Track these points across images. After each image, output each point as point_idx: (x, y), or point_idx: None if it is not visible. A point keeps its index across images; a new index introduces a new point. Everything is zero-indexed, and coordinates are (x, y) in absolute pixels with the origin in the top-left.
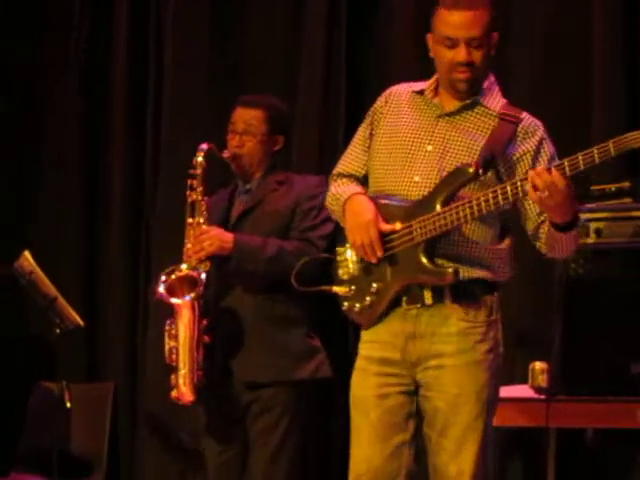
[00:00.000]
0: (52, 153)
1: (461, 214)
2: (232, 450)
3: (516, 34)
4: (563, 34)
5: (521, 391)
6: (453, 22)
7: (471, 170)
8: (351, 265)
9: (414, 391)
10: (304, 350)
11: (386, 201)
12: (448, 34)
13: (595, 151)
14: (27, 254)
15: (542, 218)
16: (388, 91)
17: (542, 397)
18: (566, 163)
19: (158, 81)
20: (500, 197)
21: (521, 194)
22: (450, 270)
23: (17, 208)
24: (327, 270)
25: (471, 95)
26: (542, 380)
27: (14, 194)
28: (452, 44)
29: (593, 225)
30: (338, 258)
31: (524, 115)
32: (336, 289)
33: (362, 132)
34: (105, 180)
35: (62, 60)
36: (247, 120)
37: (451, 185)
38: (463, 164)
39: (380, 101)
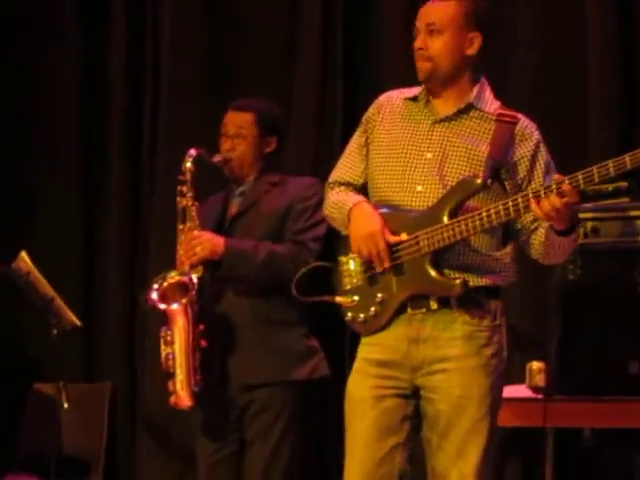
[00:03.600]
0: (50, 155)
1: (470, 225)
2: (227, 450)
3: (512, 40)
4: (558, 39)
5: (518, 391)
6: (420, 11)
7: (479, 181)
8: (355, 275)
9: (411, 394)
10: (301, 350)
11: (391, 211)
12: (415, 22)
13: (610, 164)
14: (24, 255)
15: (535, 225)
16: (380, 99)
17: (539, 397)
18: (580, 177)
19: (155, 86)
20: (511, 209)
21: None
22: (458, 282)
23: (14, 209)
24: (326, 277)
25: (454, 95)
26: (539, 380)
27: (11, 195)
28: (417, 32)
29: (590, 225)
30: (341, 268)
31: (520, 116)
32: (339, 300)
33: (357, 140)
34: (102, 182)
35: (60, 63)
36: (238, 123)
37: (458, 196)
38: (470, 175)
39: (373, 109)
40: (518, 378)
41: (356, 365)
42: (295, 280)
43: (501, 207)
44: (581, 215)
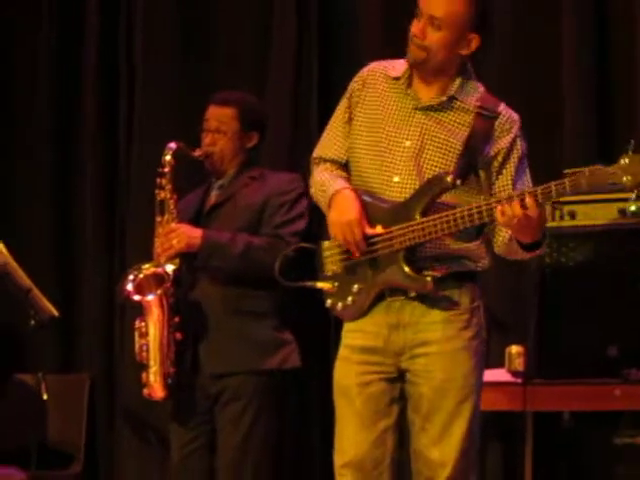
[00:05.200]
0: (25, 145)
1: (438, 227)
2: (198, 442)
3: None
4: (531, 34)
5: (498, 375)
6: None
7: (449, 180)
8: (335, 262)
9: (397, 378)
10: (271, 341)
11: (370, 200)
12: (419, 2)
13: (567, 182)
14: (1, 246)
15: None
16: (363, 72)
17: (519, 381)
18: (539, 191)
19: (130, 81)
20: (475, 216)
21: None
22: (429, 279)
23: None
24: (308, 263)
25: (439, 82)
26: (519, 364)
27: None
28: (418, 14)
29: (567, 208)
30: (324, 253)
31: (501, 109)
32: (320, 285)
33: (341, 116)
34: (78, 173)
35: (33, 59)
36: (219, 118)
37: (429, 194)
38: (441, 173)
39: (357, 83)
40: (497, 362)
41: (341, 352)
42: (279, 263)
43: (465, 213)
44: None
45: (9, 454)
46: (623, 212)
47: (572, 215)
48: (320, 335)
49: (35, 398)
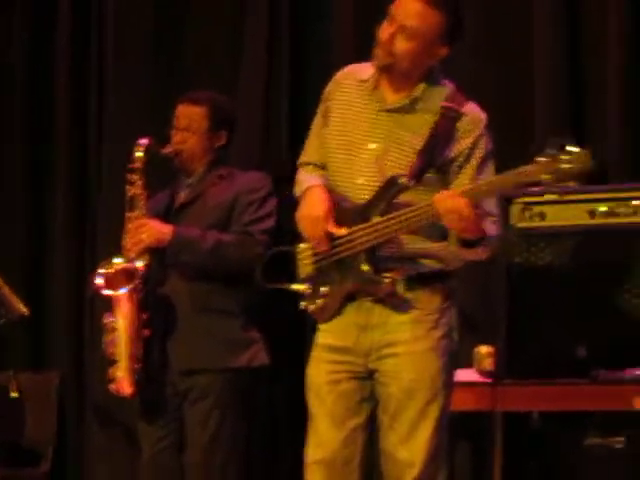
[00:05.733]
0: None
1: (393, 227)
2: (168, 440)
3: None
4: (503, 28)
5: (467, 375)
6: (402, 1)
7: (403, 181)
8: (308, 265)
9: (366, 377)
10: (239, 339)
11: (339, 201)
12: (392, 8)
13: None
14: None
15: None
16: (338, 75)
17: (488, 381)
18: (469, 188)
19: (100, 75)
20: (422, 216)
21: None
22: (387, 281)
23: None
24: (283, 266)
25: (405, 85)
26: (488, 364)
27: None
28: (389, 19)
29: (537, 209)
30: (299, 256)
31: (466, 108)
32: (295, 287)
33: (318, 121)
34: (50, 170)
35: (4, 57)
36: (189, 116)
37: (386, 195)
38: (396, 175)
39: (331, 87)
40: (466, 362)
41: (313, 351)
42: (260, 268)
43: (410, 214)
44: (529, 199)
45: None
46: (592, 213)
47: (542, 216)
48: (295, 334)
49: (5, 396)
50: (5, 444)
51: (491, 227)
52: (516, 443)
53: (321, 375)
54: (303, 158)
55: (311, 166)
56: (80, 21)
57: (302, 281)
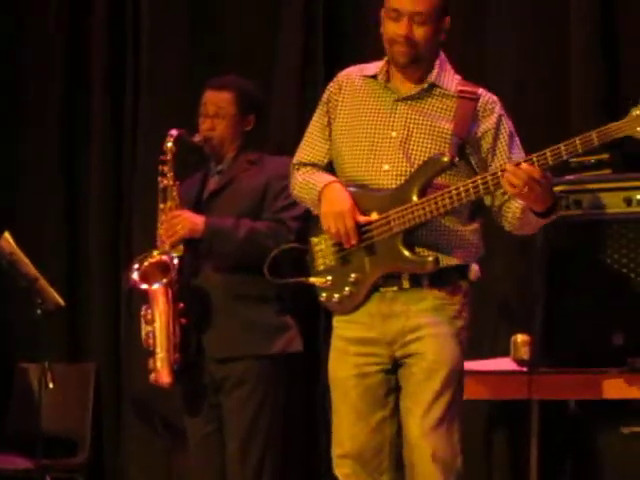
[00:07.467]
0: (33, 138)
1: (440, 204)
2: (210, 426)
3: (494, 19)
4: (542, 18)
5: (503, 364)
6: None
7: (446, 159)
8: (327, 256)
9: (392, 369)
10: (274, 326)
11: (360, 190)
12: (394, 6)
13: (577, 141)
14: (7, 235)
15: (507, 197)
16: (339, 77)
17: (524, 369)
18: (548, 154)
19: (136, 69)
20: (481, 187)
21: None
22: (430, 259)
23: None
24: (300, 259)
25: (418, 73)
26: (524, 352)
27: None
28: (397, 16)
29: (573, 197)
30: (314, 249)
31: (481, 91)
32: (313, 280)
33: (318, 121)
34: (85, 164)
35: (41, 53)
36: (217, 103)
37: (426, 175)
38: (437, 153)
39: (333, 88)
40: (503, 351)
41: (334, 343)
42: (267, 262)
43: (470, 185)
44: (563, 188)
45: (15, 443)
46: (629, 201)
47: (578, 204)
48: (308, 324)
49: (41, 387)
50: (42, 435)
51: None
52: (553, 431)
53: (347, 368)
54: (297, 158)
55: (308, 167)
56: (115, 18)
57: (321, 273)
